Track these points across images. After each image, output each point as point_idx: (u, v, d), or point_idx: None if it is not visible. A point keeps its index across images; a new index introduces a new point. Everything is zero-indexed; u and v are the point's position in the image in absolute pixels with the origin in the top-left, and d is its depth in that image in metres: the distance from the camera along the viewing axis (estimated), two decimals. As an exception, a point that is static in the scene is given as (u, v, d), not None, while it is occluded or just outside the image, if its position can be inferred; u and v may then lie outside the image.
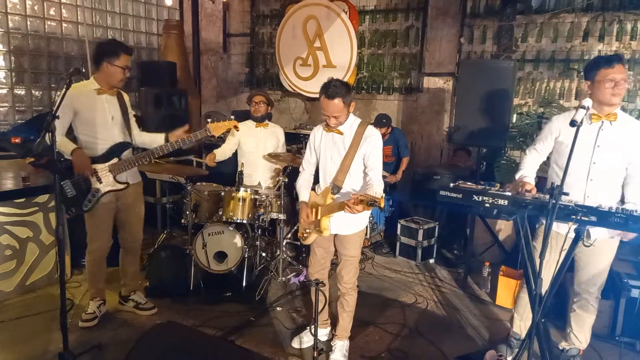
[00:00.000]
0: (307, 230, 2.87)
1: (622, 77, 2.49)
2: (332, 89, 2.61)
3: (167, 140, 3.21)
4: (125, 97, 3.29)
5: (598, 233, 2.56)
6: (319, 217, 2.75)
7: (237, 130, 3.54)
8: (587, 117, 2.60)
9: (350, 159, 2.72)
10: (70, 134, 3.11)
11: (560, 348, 2.97)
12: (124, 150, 3.18)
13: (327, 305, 3.02)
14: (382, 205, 2.36)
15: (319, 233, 2.79)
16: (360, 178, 2.79)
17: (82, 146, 3.06)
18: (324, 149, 2.83)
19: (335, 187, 2.74)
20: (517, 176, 2.78)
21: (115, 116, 3.15)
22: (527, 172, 2.79)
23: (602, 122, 2.58)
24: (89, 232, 3.19)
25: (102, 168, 3.07)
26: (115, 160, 3.11)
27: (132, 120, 3.31)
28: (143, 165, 3.32)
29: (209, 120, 3.25)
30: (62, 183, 3.01)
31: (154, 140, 3.28)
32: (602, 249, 2.65)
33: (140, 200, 3.38)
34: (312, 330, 2.76)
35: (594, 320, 2.87)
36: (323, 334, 3.14)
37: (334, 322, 3.11)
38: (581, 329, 2.88)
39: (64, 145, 2.98)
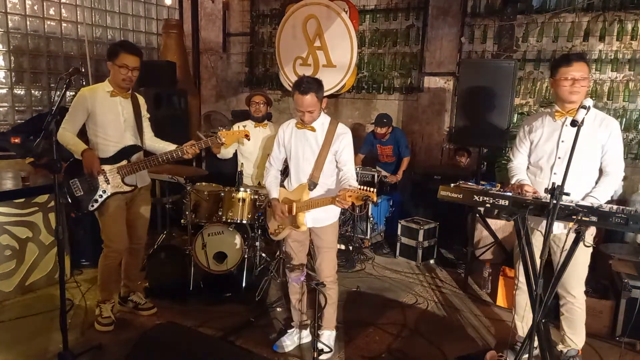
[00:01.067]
0: (281, 227, 2.91)
1: (582, 75, 2.53)
2: (304, 85, 2.68)
3: (177, 151, 3.15)
4: (141, 100, 3.28)
5: (555, 229, 2.53)
6: (294, 213, 2.80)
7: (249, 140, 3.55)
8: (552, 114, 2.71)
9: (324, 155, 2.80)
10: (84, 136, 3.11)
11: (559, 350, 2.96)
12: (133, 153, 3.16)
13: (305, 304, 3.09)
14: (375, 199, 2.43)
15: (296, 228, 2.83)
16: (332, 173, 2.87)
17: (93, 147, 3.07)
18: (295, 145, 2.87)
19: (312, 184, 2.81)
20: (513, 181, 2.79)
21: (127, 119, 3.15)
22: (522, 175, 2.82)
23: (566, 118, 2.62)
24: (105, 235, 3.15)
25: (110, 169, 3.06)
26: (124, 162, 3.10)
27: (145, 124, 3.30)
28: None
29: (220, 128, 3.25)
30: (70, 182, 3.02)
31: (165, 148, 3.24)
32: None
33: (147, 202, 3.38)
34: (311, 330, 2.76)
35: (584, 319, 2.82)
36: (305, 335, 3.14)
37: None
38: (573, 331, 2.85)
39: (74, 145, 2.99)
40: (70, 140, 2.98)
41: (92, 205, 3.04)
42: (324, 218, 2.88)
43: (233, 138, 3.23)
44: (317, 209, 2.77)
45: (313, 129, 2.81)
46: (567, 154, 2.51)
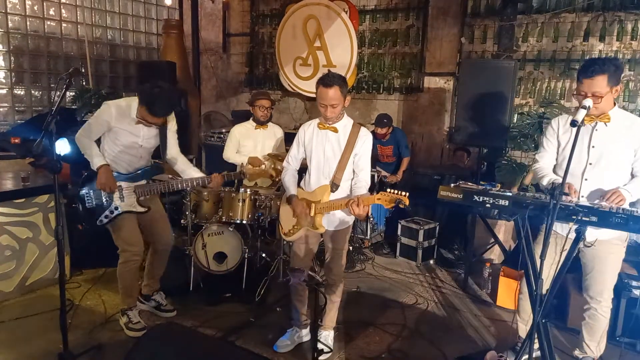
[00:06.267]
0: (296, 227, 2.88)
1: (594, 91, 2.40)
2: (328, 78, 2.67)
3: (204, 179, 3.16)
4: (171, 121, 3.16)
5: (598, 233, 2.51)
6: (312, 214, 2.78)
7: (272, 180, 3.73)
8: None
9: (346, 157, 2.76)
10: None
11: (575, 356, 2.93)
12: (153, 175, 3.14)
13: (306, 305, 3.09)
14: (407, 202, 2.44)
15: (314, 230, 2.80)
16: (352, 176, 2.84)
17: (110, 158, 2.99)
18: (317, 146, 2.84)
19: (334, 185, 2.78)
20: (545, 182, 2.66)
21: (144, 146, 3.07)
22: (553, 175, 2.69)
23: (596, 123, 2.56)
24: (122, 242, 3.08)
25: (127, 187, 3.00)
26: (143, 182, 3.06)
27: (171, 143, 3.19)
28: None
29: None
30: (84, 192, 2.95)
31: (189, 174, 3.20)
32: (604, 252, 2.59)
33: (158, 202, 3.34)
34: (311, 330, 2.76)
35: (606, 329, 2.77)
36: (305, 334, 3.14)
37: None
38: (592, 338, 2.79)
39: (94, 155, 2.91)
40: (88, 148, 2.90)
41: (102, 221, 2.98)
42: (341, 222, 2.87)
43: (256, 176, 3.51)
44: (336, 212, 2.76)
45: (335, 130, 2.77)
46: (600, 160, 2.52)
